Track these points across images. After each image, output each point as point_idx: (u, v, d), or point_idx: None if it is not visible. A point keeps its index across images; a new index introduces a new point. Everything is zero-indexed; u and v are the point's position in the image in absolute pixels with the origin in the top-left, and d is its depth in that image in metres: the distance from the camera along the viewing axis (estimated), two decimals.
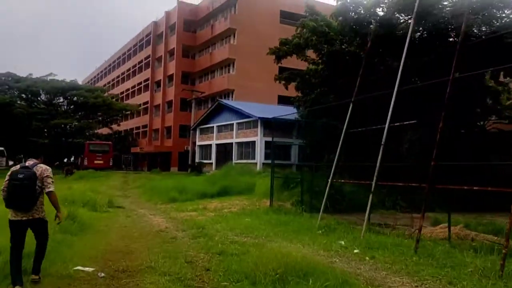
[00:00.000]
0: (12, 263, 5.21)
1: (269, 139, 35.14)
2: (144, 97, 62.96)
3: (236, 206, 14.80)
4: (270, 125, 34.92)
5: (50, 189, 5.39)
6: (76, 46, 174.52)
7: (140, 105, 60.71)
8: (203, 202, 16.69)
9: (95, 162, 41.07)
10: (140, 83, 65.40)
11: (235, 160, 36.75)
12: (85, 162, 41.32)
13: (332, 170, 10.81)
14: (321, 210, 10.08)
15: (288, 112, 40.31)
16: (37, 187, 5.32)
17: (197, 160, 43.28)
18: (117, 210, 14.21)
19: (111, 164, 43.12)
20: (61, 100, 50.33)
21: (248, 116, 35.45)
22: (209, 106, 50.82)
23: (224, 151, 39.52)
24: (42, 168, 5.47)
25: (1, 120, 43.09)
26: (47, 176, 5.43)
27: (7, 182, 5.29)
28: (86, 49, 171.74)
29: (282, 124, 35.88)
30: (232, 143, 37.92)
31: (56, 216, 5.58)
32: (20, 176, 5.21)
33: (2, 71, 47.71)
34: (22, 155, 63.05)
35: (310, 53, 21.24)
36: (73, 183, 26.46)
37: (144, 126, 62.98)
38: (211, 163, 40.76)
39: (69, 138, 51.17)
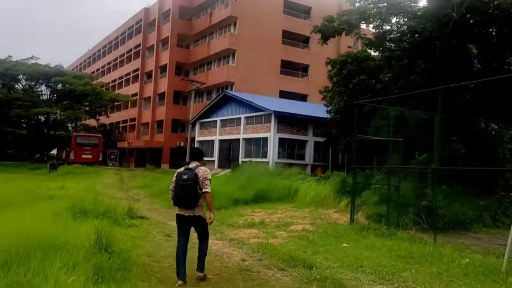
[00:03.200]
0: (177, 254, 5.82)
1: (284, 135, 31.61)
2: (133, 88, 58.60)
3: (299, 220, 11.18)
4: (284, 120, 31.36)
5: (207, 190, 5.77)
6: (60, 30, 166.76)
7: (129, 96, 56.14)
8: (244, 211, 13.02)
9: (83, 156, 36.67)
10: (129, 73, 60.99)
11: (242, 158, 33.05)
12: (72, 156, 36.82)
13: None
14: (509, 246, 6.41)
15: (298, 106, 37.01)
16: (198, 187, 5.71)
17: None
18: (143, 223, 10.38)
19: (100, 159, 38.74)
20: (43, 87, 45.35)
21: (260, 109, 31.74)
22: (205, 99, 47.01)
23: (229, 148, 35.73)
24: (203, 170, 5.84)
25: None
26: (206, 178, 5.80)
27: (174, 182, 5.82)
28: (69, 35, 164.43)
29: (296, 120, 32.41)
30: (239, 139, 34.15)
31: (209, 217, 6.00)
32: (184, 177, 5.67)
33: None
34: None
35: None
36: (63, 181, 22.36)
37: (132, 120, 58.60)
38: (213, 161, 36.90)
39: (52, 129, 46.37)
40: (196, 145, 40.46)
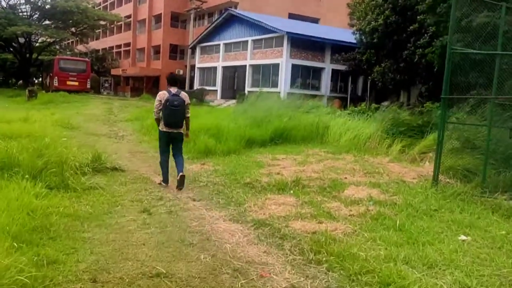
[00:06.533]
0: (164, 163, 6.76)
1: (297, 61, 27.23)
2: (126, 9, 52.81)
3: (348, 175, 7.53)
4: (298, 43, 26.85)
5: (189, 115, 6.84)
6: None
7: (120, 16, 50.46)
8: (263, 157, 9.35)
9: (68, 83, 32.33)
10: None
11: (248, 88, 28.97)
12: (55, 83, 32.55)
13: None
14: None
15: (313, 28, 32.23)
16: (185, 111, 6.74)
17: (196, 86, 35.17)
18: (114, 179, 6.68)
19: (88, 86, 34.47)
20: (22, 2, 39.71)
21: (270, 31, 27.10)
22: (206, 23, 41.87)
23: (233, 76, 31.49)
24: (185, 95, 6.81)
25: None
26: (188, 103, 6.82)
27: (163, 106, 6.52)
28: None
29: (312, 44, 27.92)
30: (245, 66, 29.83)
31: (186, 135, 6.96)
32: (176, 103, 6.49)
33: None
34: None
35: None
36: (35, 111, 18.58)
37: (127, 45, 53.52)
38: (216, 91, 32.82)
39: (35, 53, 41.61)
40: (197, 73, 36.27)
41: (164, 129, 6.61)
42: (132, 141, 12.22)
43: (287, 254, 3.98)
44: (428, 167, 8.50)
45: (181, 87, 34.57)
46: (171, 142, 6.76)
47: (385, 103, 19.65)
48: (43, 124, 13.18)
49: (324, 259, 3.81)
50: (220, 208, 5.48)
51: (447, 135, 8.83)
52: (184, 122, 6.73)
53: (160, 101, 6.51)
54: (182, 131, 6.76)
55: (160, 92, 6.72)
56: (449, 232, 4.69)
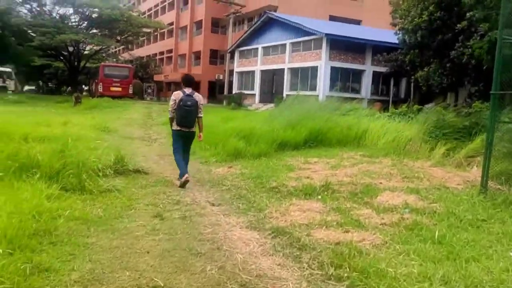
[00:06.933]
0: (179, 160, 6.82)
1: (337, 64, 26.52)
2: (169, 17, 53.98)
3: (383, 180, 6.94)
4: (337, 45, 26.13)
5: (201, 115, 6.89)
6: None
7: (163, 23, 51.52)
8: (294, 161, 8.89)
9: (112, 89, 33.16)
10: (164, 0, 56.23)
11: (286, 91, 28.51)
12: (100, 89, 33.50)
13: None
14: None
15: (354, 30, 31.38)
16: (197, 111, 6.85)
17: (235, 90, 35.09)
18: (135, 181, 6.47)
19: (131, 91, 35.24)
20: (71, 13, 41.30)
21: (309, 33, 26.56)
22: (245, 27, 41.88)
23: (272, 80, 31.12)
24: (199, 97, 6.89)
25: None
26: (201, 104, 6.87)
27: (176, 106, 6.66)
28: None
29: (352, 46, 27.12)
30: (283, 69, 29.40)
31: (199, 136, 7.01)
32: (189, 103, 6.63)
33: None
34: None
35: None
36: (78, 115, 19.03)
37: (169, 51, 54.66)
38: (254, 95, 32.60)
39: (83, 60, 43.15)
40: (235, 77, 36.25)
41: (177, 128, 6.77)
42: (164, 144, 12.08)
43: (304, 267, 3.52)
44: (475, 172, 7.73)
45: (221, 91, 34.88)
46: (183, 141, 6.89)
47: (429, 105, 18.65)
48: (80, 127, 13.38)
49: (345, 275, 3.33)
50: (239, 213, 5.09)
51: (498, 137, 8.02)
52: (197, 122, 6.82)
53: (175, 100, 6.63)
54: (193, 130, 6.87)
55: (174, 92, 6.85)
56: (499, 246, 4.06)
